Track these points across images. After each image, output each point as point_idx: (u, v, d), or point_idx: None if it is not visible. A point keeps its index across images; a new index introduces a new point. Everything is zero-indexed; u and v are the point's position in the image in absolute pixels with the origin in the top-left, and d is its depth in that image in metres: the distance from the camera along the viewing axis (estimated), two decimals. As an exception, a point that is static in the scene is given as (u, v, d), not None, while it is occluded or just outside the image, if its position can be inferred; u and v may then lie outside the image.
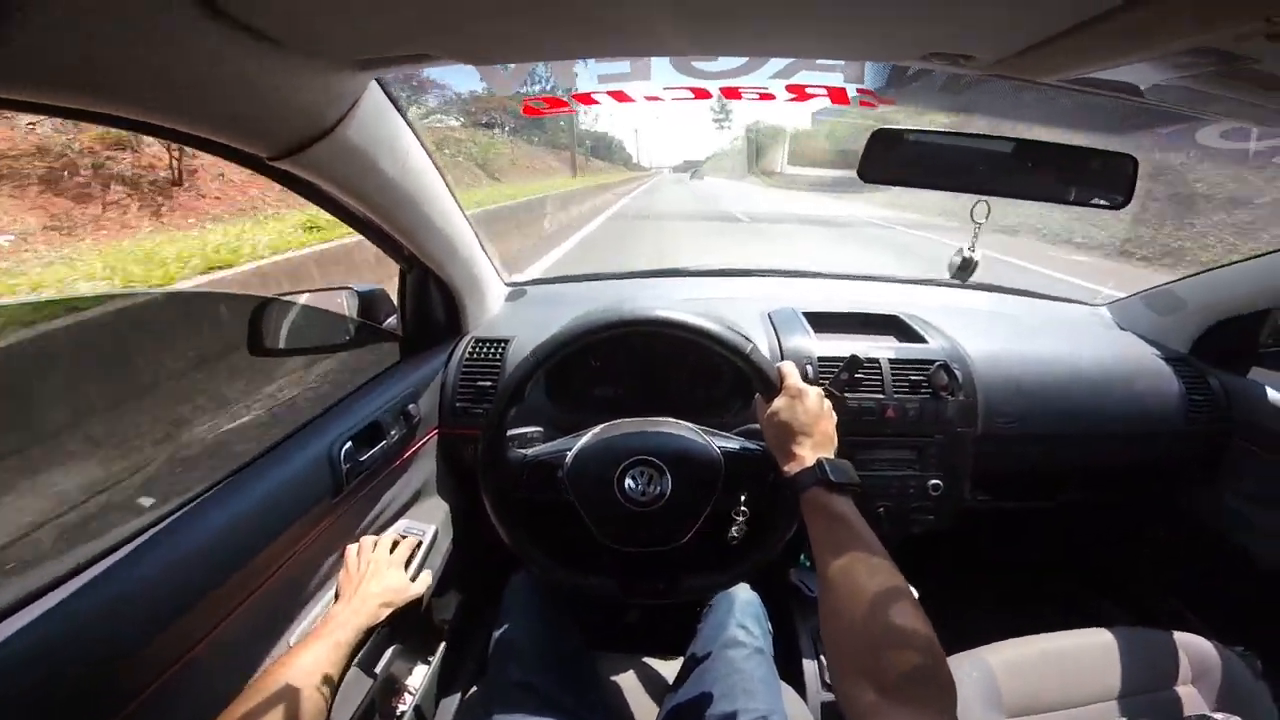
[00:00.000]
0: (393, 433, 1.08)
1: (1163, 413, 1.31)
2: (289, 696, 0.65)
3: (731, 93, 0.94)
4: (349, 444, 0.96)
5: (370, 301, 1.22)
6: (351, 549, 0.97)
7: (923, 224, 12.92)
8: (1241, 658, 1.03)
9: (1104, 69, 0.58)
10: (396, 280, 1.26)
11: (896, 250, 9.43)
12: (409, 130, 0.92)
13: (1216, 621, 1.35)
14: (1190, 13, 0.41)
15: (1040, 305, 1.72)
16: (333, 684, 0.73)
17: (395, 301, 1.27)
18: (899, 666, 0.53)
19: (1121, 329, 1.55)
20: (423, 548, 1.08)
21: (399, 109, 0.87)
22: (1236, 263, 1.35)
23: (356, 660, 0.83)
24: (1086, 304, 1.73)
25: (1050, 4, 0.45)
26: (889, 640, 0.55)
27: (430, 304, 1.27)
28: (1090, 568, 1.77)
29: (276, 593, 0.84)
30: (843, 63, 0.80)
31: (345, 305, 1.19)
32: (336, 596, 0.90)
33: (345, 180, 0.84)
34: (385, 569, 0.95)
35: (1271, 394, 1.30)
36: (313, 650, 0.74)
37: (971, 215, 1.06)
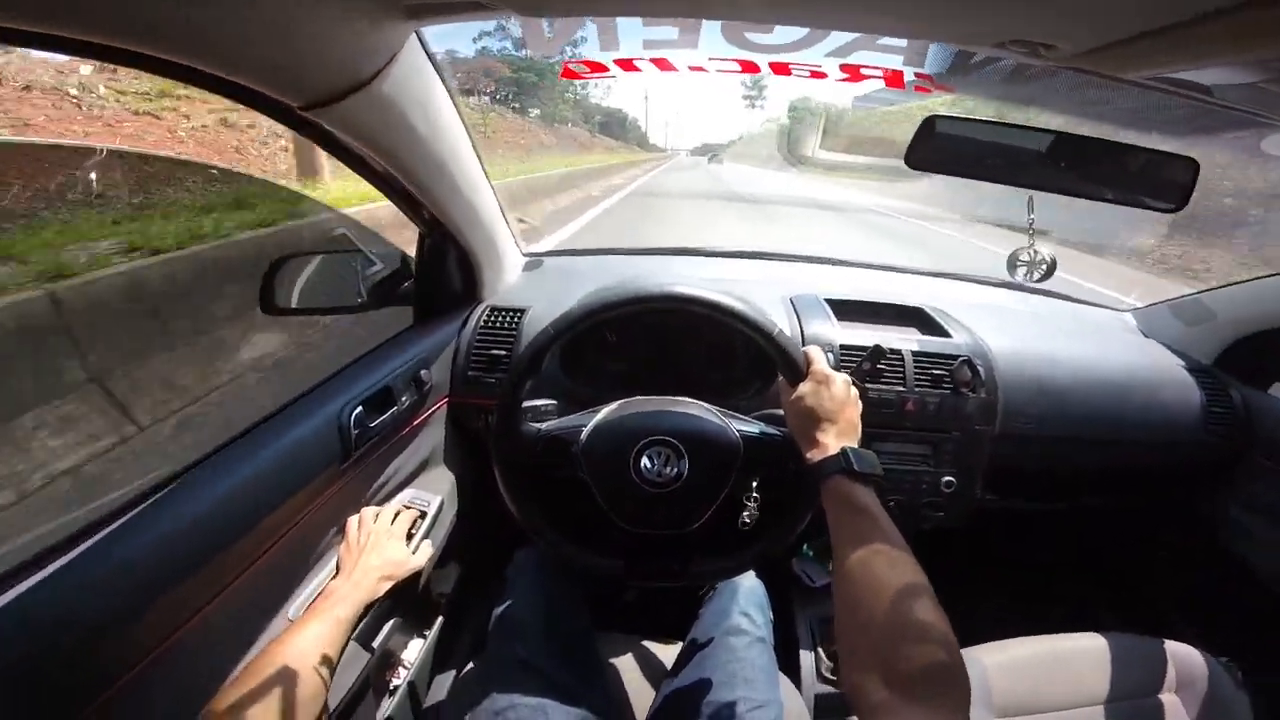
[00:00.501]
0: (403, 399, 1.06)
1: (1182, 422, 1.29)
2: (288, 676, 0.65)
3: (781, 68, 0.90)
4: (359, 409, 0.95)
5: (385, 264, 1.19)
6: (352, 521, 0.96)
7: (932, 217, 12.81)
8: (1225, 667, 1.04)
9: (1187, 70, 0.55)
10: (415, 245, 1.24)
11: (916, 244, 9.34)
12: (444, 89, 0.89)
13: (1213, 632, 1.35)
14: None
15: (1066, 307, 1.69)
16: (331, 662, 0.72)
17: (411, 266, 1.25)
18: (915, 663, 0.52)
19: (1146, 336, 1.53)
20: (426, 519, 1.07)
21: (436, 67, 0.83)
22: (1267, 277, 1.32)
23: (354, 634, 0.82)
24: (1112, 309, 1.70)
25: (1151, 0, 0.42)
26: (907, 636, 0.54)
27: (447, 270, 1.25)
28: (1094, 571, 1.77)
29: (281, 559, 0.83)
30: (905, 44, 0.76)
31: (360, 267, 1.17)
32: (337, 570, 0.90)
33: (375, 136, 0.81)
34: (385, 541, 0.95)
35: None
36: (312, 627, 0.74)
37: (1029, 209, 1.03)
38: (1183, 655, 1.05)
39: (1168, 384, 1.33)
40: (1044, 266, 1.27)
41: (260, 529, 0.78)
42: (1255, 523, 1.33)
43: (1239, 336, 1.38)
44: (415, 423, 1.13)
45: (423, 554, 1.00)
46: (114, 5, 0.44)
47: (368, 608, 0.84)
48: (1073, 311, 1.67)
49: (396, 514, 1.02)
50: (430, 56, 0.81)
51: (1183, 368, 1.36)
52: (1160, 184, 0.84)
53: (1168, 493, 1.46)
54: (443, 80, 0.87)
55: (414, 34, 0.74)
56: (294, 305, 1.11)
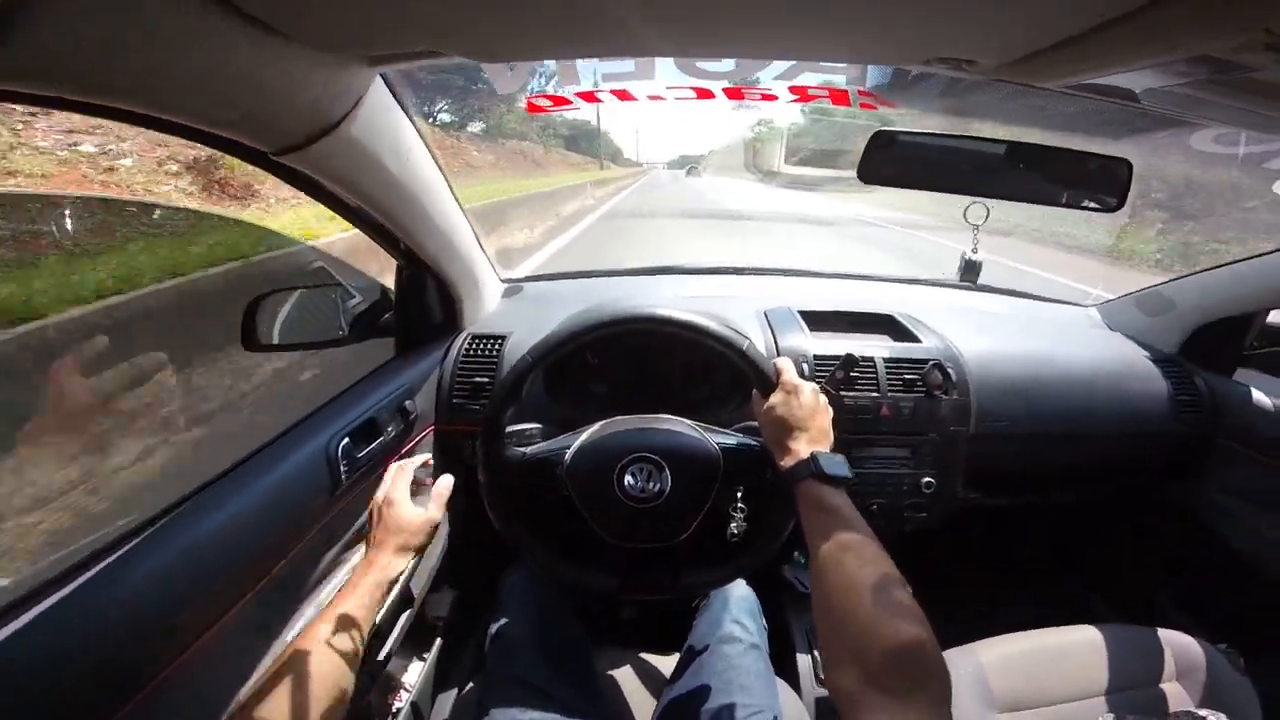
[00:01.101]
0: (390, 429, 1.08)
1: (1150, 412, 1.33)
2: (309, 674, 0.63)
3: (734, 93, 0.94)
4: (346, 440, 0.96)
5: (365, 297, 1.21)
6: (375, 498, 0.91)
7: (915, 224, 13.01)
8: (1224, 655, 1.05)
9: (1104, 75, 0.58)
10: (393, 276, 1.26)
11: (888, 249, 9.48)
12: (411, 127, 0.92)
13: (1201, 618, 1.37)
14: (1192, 22, 0.42)
15: (1032, 306, 1.74)
16: (354, 657, 0.69)
17: (391, 297, 1.27)
18: (890, 657, 0.53)
19: (1111, 329, 1.57)
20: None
21: (402, 105, 0.87)
22: (1225, 265, 1.37)
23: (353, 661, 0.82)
24: (1077, 304, 1.75)
25: (1054, 11, 0.46)
26: (878, 629, 0.55)
27: (427, 300, 1.27)
28: (1080, 565, 1.79)
29: (275, 590, 0.84)
30: (844, 65, 0.81)
31: (340, 301, 1.19)
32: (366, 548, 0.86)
33: (347, 176, 0.84)
34: (391, 512, 0.87)
35: (1256, 395, 1.32)
36: (337, 614, 0.72)
37: (965, 217, 1.07)
38: (1180, 643, 1.06)
39: (1135, 376, 1.36)
40: (973, 267, 1.38)
41: (253, 560, 0.78)
42: (1231, 506, 1.36)
43: (1199, 325, 1.42)
44: (403, 451, 1.15)
45: (435, 505, 0.91)
46: (87, 62, 0.46)
47: (390, 584, 0.80)
48: (1038, 310, 1.72)
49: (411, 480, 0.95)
50: (396, 96, 0.84)
51: (1148, 359, 1.40)
52: (1100, 185, 0.88)
53: (1143, 483, 1.48)
54: (410, 118, 0.90)
55: (378, 77, 0.77)
56: (276, 341, 1.12)
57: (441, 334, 1.31)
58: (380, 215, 0.98)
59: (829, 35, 0.58)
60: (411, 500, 0.87)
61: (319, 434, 0.94)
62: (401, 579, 0.82)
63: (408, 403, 1.14)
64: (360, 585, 0.77)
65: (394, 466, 0.92)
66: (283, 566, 0.85)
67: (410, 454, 1.16)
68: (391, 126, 0.86)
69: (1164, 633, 1.07)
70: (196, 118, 0.60)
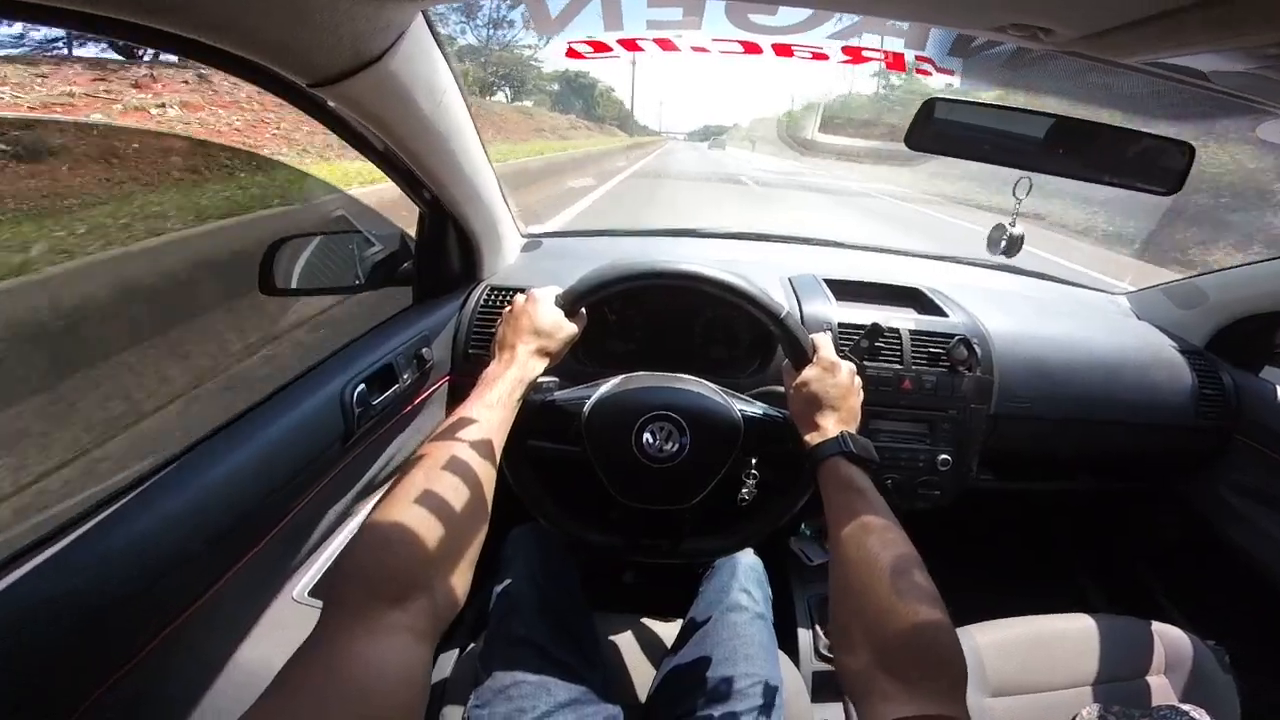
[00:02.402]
0: (405, 376, 1.07)
1: (1173, 404, 1.32)
2: (450, 472, 0.58)
3: (783, 50, 0.90)
4: (362, 386, 0.95)
5: (384, 246, 1.19)
6: (515, 301, 0.86)
7: (937, 202, 12.78)
8: (1212, 651, 1.06)
9: (1185, 55, 0.55)
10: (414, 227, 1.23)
11: (911, 226, 9.33)
12: (448, 69, 0.89)
13: (1195, 614, 1.38)
14: None
15: (1061, 290, 1.71)
16: (492, 451, 0.65)
17: (410, 245, 1.25)
18: (903, 639, 0.52)
19: (1139, 319, 1.54)
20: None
21: (441, 46, 0.83)
22: (1262, 262, 1.34)
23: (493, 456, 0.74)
24: (1107, 291, 1.71)
25: None
26: (896, 612, 0.54)
27: (447, 249, 1.25)
28: (1081, 553, 1.80)
29: (287, 537, 0.84)
30: (906, 28, 0.77)
31: (358, 249, 1.17)
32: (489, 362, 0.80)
33: (380, 115, 0.81)
34: (532, 308, 0.82)
35: None
36: (475, 411, 0.68)
37: (1014, 191, 1.04)
38: (1171, 637, 1.06)
39: (1160, 365, 1.34)
40: (1015, 241, 1.31)
41: (265, 507, 0.78)
42: (1242, 505, 1.35)
43: (1231, 320, 1.40)
44: (417, 401, 1.14)
45: (580, 319, 0.86)
46: None
47: (529, 388, 0.77)
48: (1067, 294, 1.68)
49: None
50: (436, 36, 0.81)
51: (1175, 350, 1.38)
52: (1156, 168, 0.85)
53: (1159, 475, 1.48)
54: (447, 60, 0.87)
55: (420, 14, 0.74)
56: (294, 286, 1.11)
57: (460, 284, 1.29)
58: (408, 158, 0.95)
59: None
60: None
61: (334, 379, 0.93)
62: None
63: (424, 350, 1.13)
64: (502, 377, 0.74)
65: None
66: (295, 515, 0.85)
67: (422, 405, 1.16)
68: (429, 66, 0.83)
69: (1156, 626, 1.08)
70: (231, 41, 0.57)
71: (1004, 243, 1.29)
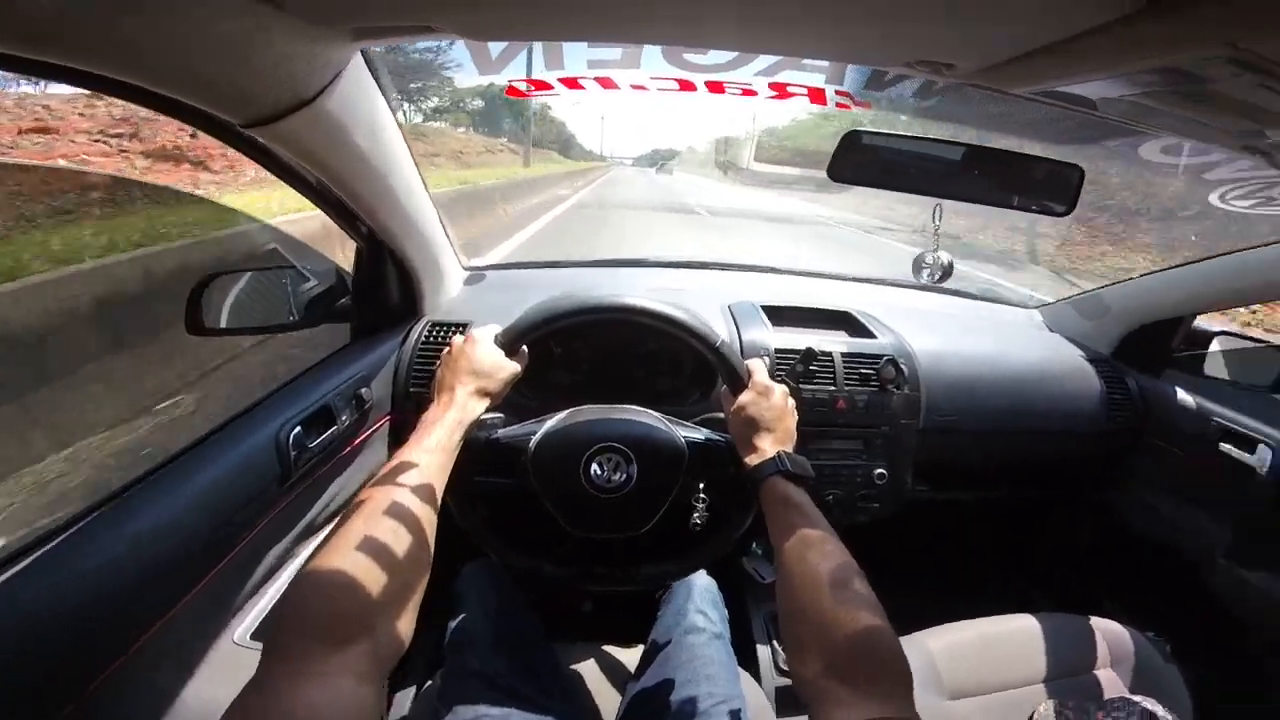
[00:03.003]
0: (344, 417, 1.04)
1: (1087, 411, 1.41)
2: (388, 521, 0.57)
3: (716, 87, 0.94)
4: (298, 428, 0.92)
5: (320, 281, 1.17)
6: (453, 342, 0.85)
7: (865, 225, 13.38)
8: (1152, 642, 1.11)
9: (1075, 83, 0.61)
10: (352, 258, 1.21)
11: (846, 247, 9.70)
12: (386, 106, 0.89)
13: (1129, 608, 1.45)
14: (1165, 35, 0.44)
15: (978, 307, 1.82)
16: (434, 495, 0.65)
17: (347, 280, 1.22)
18: (848, 646, 0.55)
19: (1051, 331, 1.65)
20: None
21: (380, 83, 0.84)
22: (1157, 272, 1.46)
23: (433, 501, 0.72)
24: (1021, 306, 1.83)
25: (1038, 18, 0.48)
26: (839, 621, 0.56)
27: (386, 284, 1.23)
28: (1018, 556, 1.88)
29: (225, 582, 0.81)
30: (826, 65, 0.82)
31: (292, 284, 1.14)
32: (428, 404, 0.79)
33: (316, 153, 0.81)
34: (471, 350, 0.82)
35: (1180, 394, 1.42)
36: (414, 455, 0.67)
37: (933, 218, 1.11)
38: (1111, 631, 1.11)
39: (1072, 375, 1.44)
40: (941, 268, 1.39)
41: (203, 549, 0.75)
42: (1155, 501, 1.45)
43: (1132, 328, 1.51)
44: (357, 442, 1.11)
45: (521, 357, 0.86)
46: (47, 18, 0.43)
47: (469, 428, 0.76)
48: (985, 311, 1.79)
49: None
50: (374, 73, 0.81)
51: (1084, 359, 1.48)
52: (1053, 190, 0.92)
53: (1079, 478, 1.57)
54: (386, 97, 0.87)
55: (359, 53, 0.74)
56: (224, 325, 1.07)
57: (400, 320, 1.27)
58: (344, 194, 0.95)
59: (817, 34, 0.59)
60: None
61: (269, 421, 0.91)
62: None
63: (363, 390, 1.10)
64: (440, 420, 0.73)
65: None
66: (233, 558, 0.82)
67: (362, 446, 1.13)
68: (367, 105, 0.83)
69: (1096, 621, 1.13)
70: (168, 84, 0.57)
71: (932, 271, 1.37)
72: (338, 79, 0.71)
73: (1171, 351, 1.49)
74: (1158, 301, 1.45)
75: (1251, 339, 1.42)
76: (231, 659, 0.81)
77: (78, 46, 0.47)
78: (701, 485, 0.93)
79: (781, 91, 0.94)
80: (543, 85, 0.94)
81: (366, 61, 0.79)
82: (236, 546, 0.82)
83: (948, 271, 1.38)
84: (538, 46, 0.79)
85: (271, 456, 0.88)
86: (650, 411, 0.93)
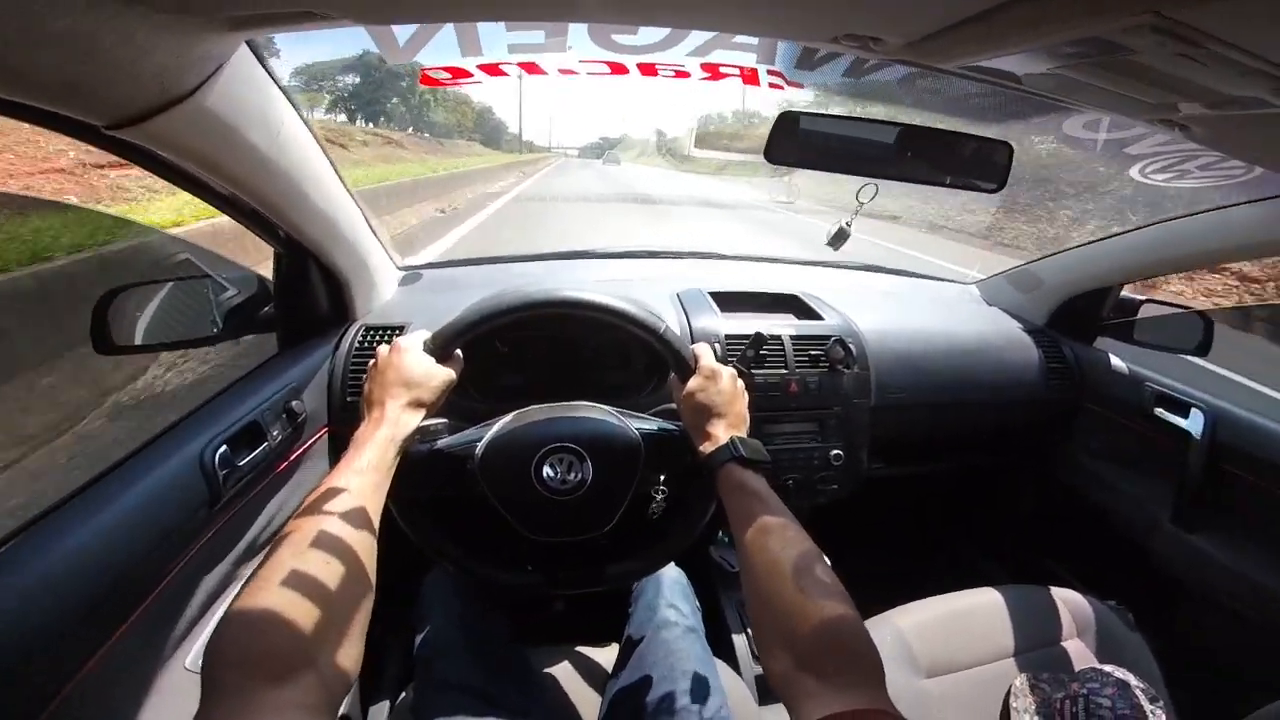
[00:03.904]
0: (274, 432, 0.98)
1: (1026, 380, 1.45)
2: (322, 549, 0.54)
3: (648, 69, 0.92)
4: (224, 447, 0.86)
5: (241, 289, 1.10)
6: (379, 352, 0.81)
7: (808, 209, 13.65)
8: (1114, 611, 1.14)
9: (1000, 55, 0.61)
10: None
11: (785, 232, 9.89)
12: (282, 98, 0.82)
13: (1084, 575, 1.50)
14: (1088, 3, 0.43)
15: (919, 284, 1.86)
16: (369, 520, 0.61)
17: (270, 288, 1.15)
18: (815, 637, 0.54)
19: (989, 305, 1.69)
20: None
21: (270, 73, 0.77)
22: (1085, 245, 1.51)
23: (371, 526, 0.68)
24: (958, 282, 1.87)
25: None
26: (804, 611, 0.55)
27: (311, 290, 1.16)
28: (974, 531, 1.93)
29: (154, 617, 0.75)
30: (756, 43, 0.80)
31: (212, 294, 1.07)
32: (360, 420, 0.75)
33: (202, 153, 0.74)
34: (399, 360, 0.77)
35: (1114, 361, 1.48)
36: (343, 479, 0.63)
37: (857, 196, 1.12)
38: (1074, 601, 1.13)
39: (1012, 347, 1.48)
40: (841, 234, 1.47)
41: (125, 585, 0.70)
42: (1095, 467, 1.51)
43: (1064, 299, 1.56)
44: (293, 457, 1.05)
45: (455, 362, 0.82)
46: None
47: (403, 445, 0.72)
48: (926, 288, 1.83)
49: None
50: (264, 64, 0.75)
51: (1022, 330, 1.53)
52: (984, 167, 0.93)
53: (1025, 447, 1.62)
54: (280, 88, 0.80)
55: (244, 43, 0.68)
56: (137, 342, 1.00)
57: (330, 326, 1.21)
58: (250, 197, 0.88)
59: (743, 7, 0.57)
60: None
61: (191, 441, 0.85)
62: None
63: (294, 403, 1.04)
64: (371, 439, 0.68)
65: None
66: (164, 588, 0.77)
67: (299, 460, 1.07)
68: (259, 97, 0.77)
69: (1057, 591, 1.15)
70: (9, 88, 0.50)
71: (833, 235, 1.44)
72: (219, 72, 0.66)
73: (1102, 320, 1.54)
74: (1088, 273, 1.50)
75: (1175, 305, 1.48)
76: (185, 685, 0.77)
77: None
78: (662, 478, 0.92)
79: (714, 73, 0.92)
80: (461, 73, 0.89)
81: (253, 50, 0.72)
82: (171, 572, 0.77)
83: (840, 237, 1.45)
84: (449, 30, 0.74)
85: (197, 478, 0.82)
86: (600, 406, 0.91)
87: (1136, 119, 0.76)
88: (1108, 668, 0.93)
